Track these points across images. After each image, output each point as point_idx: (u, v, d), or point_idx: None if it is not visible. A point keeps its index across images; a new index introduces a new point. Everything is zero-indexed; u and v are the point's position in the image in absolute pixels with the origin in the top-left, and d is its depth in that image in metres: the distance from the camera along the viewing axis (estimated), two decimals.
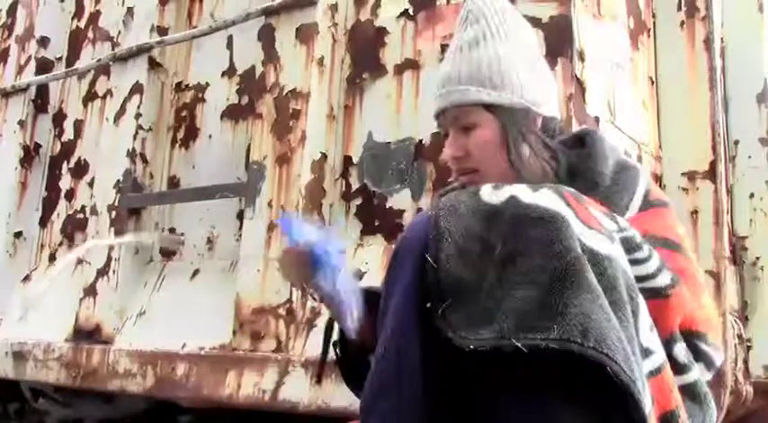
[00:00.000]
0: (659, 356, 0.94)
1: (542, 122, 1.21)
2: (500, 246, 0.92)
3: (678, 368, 0.98)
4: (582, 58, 1.65)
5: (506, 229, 0.92)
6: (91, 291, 2.42)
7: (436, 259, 0.94)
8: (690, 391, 0.99)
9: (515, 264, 0.89)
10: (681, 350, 0.99)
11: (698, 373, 1.01)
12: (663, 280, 0.99)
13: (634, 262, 0.97)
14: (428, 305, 0.93)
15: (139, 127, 2.50)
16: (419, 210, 1.81)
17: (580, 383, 0.85)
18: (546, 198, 0.93)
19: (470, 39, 1.20)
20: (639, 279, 0.96)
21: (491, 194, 0.98)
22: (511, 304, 0.87)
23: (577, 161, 1.16)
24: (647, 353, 0.91)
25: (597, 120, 1.67)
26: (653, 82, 1.97)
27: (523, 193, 0.95)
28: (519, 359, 0.84)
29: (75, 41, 3.06)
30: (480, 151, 1.18)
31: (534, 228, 0.90)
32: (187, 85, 2.54)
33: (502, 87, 1.17)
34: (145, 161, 2.51)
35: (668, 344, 0.97)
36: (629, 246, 0.98)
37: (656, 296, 0.97)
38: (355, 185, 1.99)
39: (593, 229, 0.92)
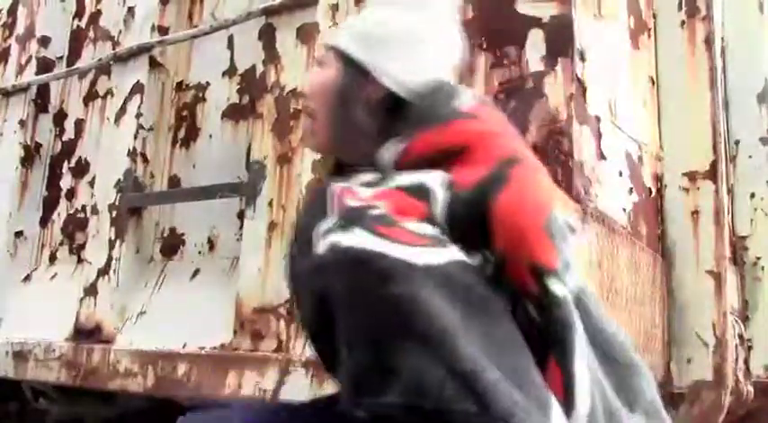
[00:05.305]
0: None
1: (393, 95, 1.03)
2: (330, 301, 0.85)
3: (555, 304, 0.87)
4: (582, 58, 1.65)
5: (330, 283, 0.85)
6: (91, 290, 2.42)
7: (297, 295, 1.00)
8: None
9: (345, 321, 0.84)
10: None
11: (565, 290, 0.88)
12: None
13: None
14: None
15: (140, 126, 2.50)
16: None
17: None
18: (357, 237, 0.83)
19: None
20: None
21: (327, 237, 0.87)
22: (347, 369, 0.83)
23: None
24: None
25: (598, 119, 1.67)
26: (653, 82, 1.96)
27: (337, 235, 0.85)
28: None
29: (76, 41, 3.06)
30: (313, 93, 1.08)
31: (350, 279, 0.83)
32: (188, 85, 2.54)
33: (361, 42, 1.05)
34: (145, 161, 2.51)
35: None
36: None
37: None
38: None
39: (416, 246, 0.83)
